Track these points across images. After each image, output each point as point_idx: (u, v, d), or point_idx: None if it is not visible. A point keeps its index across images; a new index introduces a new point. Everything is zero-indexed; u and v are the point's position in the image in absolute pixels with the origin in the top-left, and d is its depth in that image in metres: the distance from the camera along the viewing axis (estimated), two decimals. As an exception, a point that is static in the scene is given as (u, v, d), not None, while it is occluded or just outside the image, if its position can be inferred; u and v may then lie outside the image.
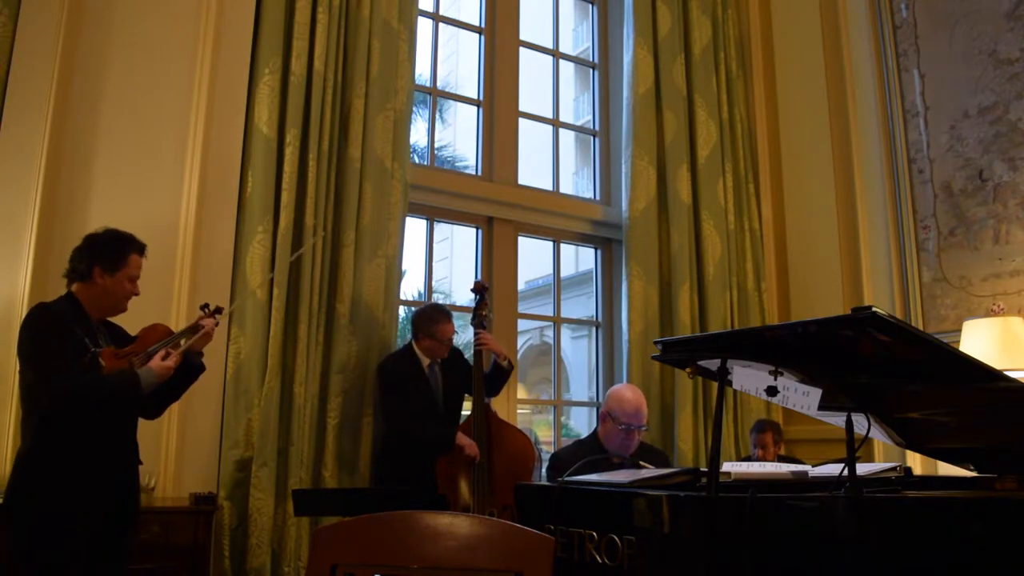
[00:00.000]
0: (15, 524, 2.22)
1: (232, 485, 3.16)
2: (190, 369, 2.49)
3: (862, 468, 2.04)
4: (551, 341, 5.54)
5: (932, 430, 1.99)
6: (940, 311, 4.04)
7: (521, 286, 4.56)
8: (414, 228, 4.14)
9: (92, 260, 2.39)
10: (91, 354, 2.27)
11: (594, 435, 3.33)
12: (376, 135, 3.72)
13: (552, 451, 3.82)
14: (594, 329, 4.89)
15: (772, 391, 1.77)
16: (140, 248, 2.48)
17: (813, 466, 2.15)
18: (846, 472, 1.64)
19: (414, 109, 4.05)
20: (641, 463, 2.85)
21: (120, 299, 2.45)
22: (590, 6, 5.24)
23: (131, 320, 2.52)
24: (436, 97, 4.71)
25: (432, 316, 3.48)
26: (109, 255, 2.40)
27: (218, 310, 2.61)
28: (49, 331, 2.28)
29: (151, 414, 2.56)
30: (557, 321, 4.90)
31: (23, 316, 2.77)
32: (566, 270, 6.96)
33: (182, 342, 2.45)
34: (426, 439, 3.32)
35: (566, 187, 5.18)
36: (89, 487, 2.27)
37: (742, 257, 4.73)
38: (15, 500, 2.23)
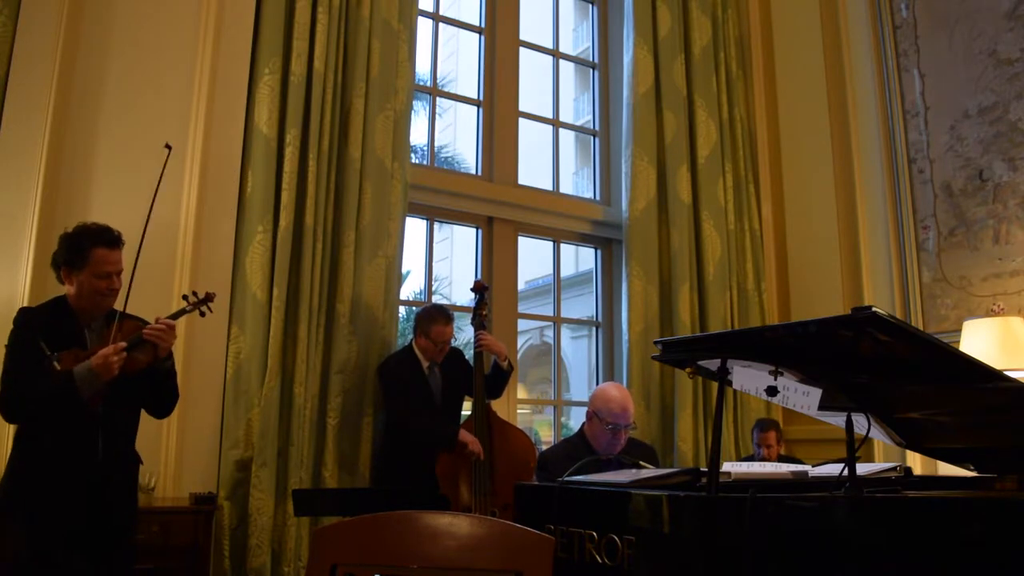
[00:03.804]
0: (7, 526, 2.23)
1: (232, 485, 3.16)
2: (155, 374, 2.40)
3: (862, 468, 2.04)
4: (551, 341, 5.54)
5: (932, 430, 1.99)
6: (940, 311, 4.04)
7: (521, 286, 4.56)
8: (414, 228, 4.15)
9: (58, 262, 2.34)
10: (47, 359, 2.21)
11: (581, 433, 3.30)
12: (376, 135, 3.72)
13: (549, 451, 3.80)
14: (594, 329, 4.89)
15: (772, 391, 1.76)
16: (107, 240, 2.33)
17: (813, 466, 2.15)
18: (846, 472, 1.64)
19: (414, 108, 4.05)
20: (641, 463, 2.84)
21: (94, 297, 2.33)
22: (590, 6, 5.24)
23: (131, 320, 2.52)
24: (436, 97, 4.71)
25: (431, 316, 3.47)
26: (70, 254, 2.32)
27: (208, 297, 2.52)
28: (13, 339, 2.27)
29: (157, 412, 2.54)
30: (557, 321, 4.90)
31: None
32: (566, 270, 6.96)
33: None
34: (428, 437, 3.32)
35: (566, 187, 5.18)
36: (52, 490, 2.23)
37: (742, 257, 4.73)
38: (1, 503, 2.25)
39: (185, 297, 2.54)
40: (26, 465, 2.25)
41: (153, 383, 2.43)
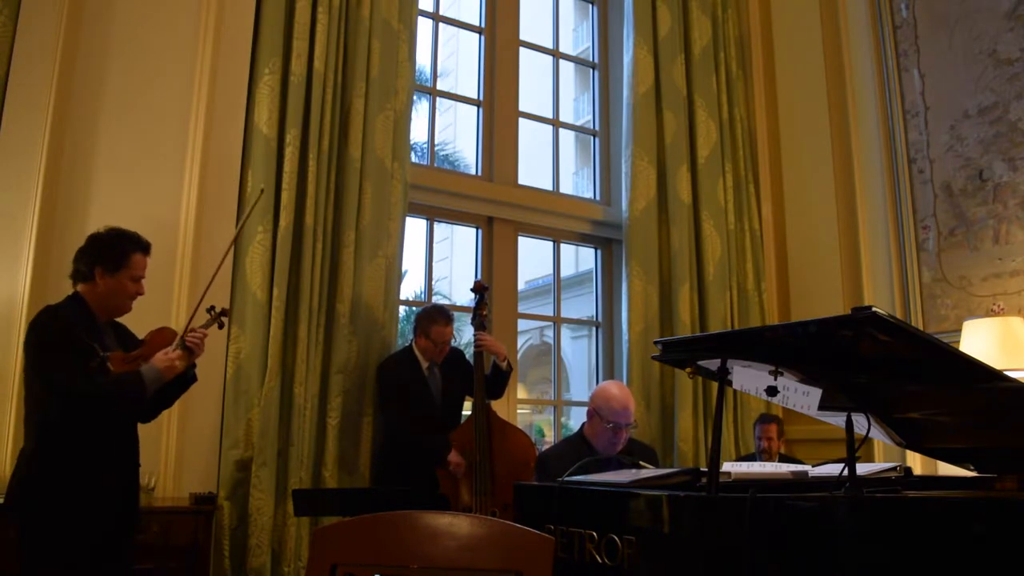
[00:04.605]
0: (19, 524, 2.21)
1: (232, 485, 3.16)
2: (184, 378, 2.49)
3: (862, 468, 2.04)
4: (551, 341, 5.54)
5: (932, 430, 1.99)
6: (940, 311, 4.04)
7: (521, 286, 4.56)
8: (414, 228, 4.15)
9: (93, 261, 2.38)
10: (99, 359, 2.25)
11: (580, 433, 3.29)
12: (376, 135, 3.72)
13: (550, 451, 3.79)
14: (594, 329, 4.89)
15: (772, 391, 1.76)
16: (144, 247, 2.45)
17: (813, 466, 2.15)
18: (846, 472, 1.64)
19: (413, 108, 4.05)
20: (641, 463, 2.84)
21: (124, 299, 2.43)
22: (590, 6, 5.24)
23: (132, 320, 2.52)
24: (436, 97, 4.71)
25: (431, 316, 3.47)
26: (110, 255, 2.38)
27: (224, 312, 2.60)
28: (56, 339, 2.26)
29: (145, 417, 2.56)
30: (557, 321, 4.90)
31: (23, 316, 2.79)
32: (566, 270, 6.96)
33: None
34: (420, 451, 3.32)
35: (566, 187, 5.18)
36: (93, 489, 2.26)
37: (742, 257, 4.73)
38: (19, 500, 2.23)
39: (208, 311, 2.60)
40: (64, 467, 2.24)
41: (175, 388, 2.50)
